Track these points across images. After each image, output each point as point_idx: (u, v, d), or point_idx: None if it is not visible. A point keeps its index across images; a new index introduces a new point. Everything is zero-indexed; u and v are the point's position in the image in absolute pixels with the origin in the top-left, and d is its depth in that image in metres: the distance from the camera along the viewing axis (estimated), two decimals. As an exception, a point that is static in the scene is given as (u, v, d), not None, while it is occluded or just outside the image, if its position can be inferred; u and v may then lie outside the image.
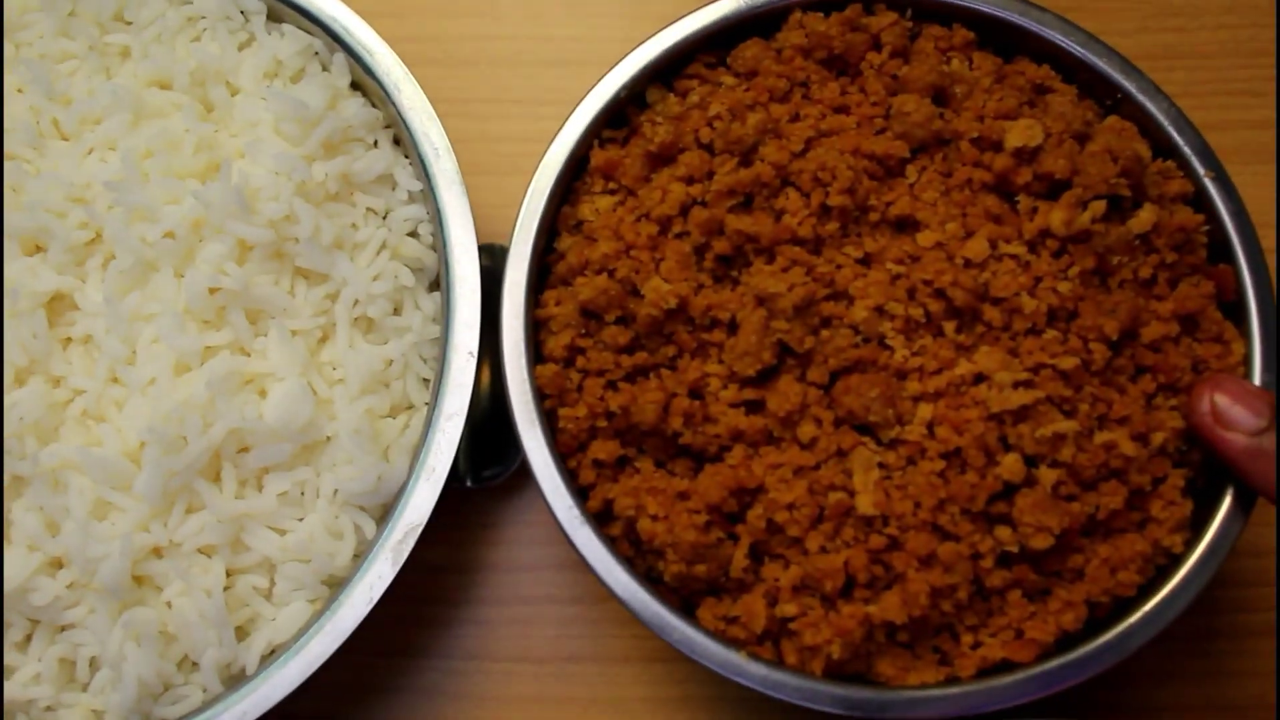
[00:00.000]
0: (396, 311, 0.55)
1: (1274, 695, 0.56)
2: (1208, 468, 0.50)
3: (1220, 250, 0.52)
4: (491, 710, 0.56)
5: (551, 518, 0.48)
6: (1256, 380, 0.50)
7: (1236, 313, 0.51)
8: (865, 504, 0.46)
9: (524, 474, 0.55)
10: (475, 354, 0.52)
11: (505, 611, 0.57)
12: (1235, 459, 0.46)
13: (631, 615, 0.47)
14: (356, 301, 0.53)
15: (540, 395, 0.50)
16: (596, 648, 0.57)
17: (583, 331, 0.50)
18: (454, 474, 0.55)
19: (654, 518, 0.47)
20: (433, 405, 0.52)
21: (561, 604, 0.57)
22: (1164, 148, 0.53)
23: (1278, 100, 0.66)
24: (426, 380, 0.54)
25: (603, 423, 0.49)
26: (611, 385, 0.50)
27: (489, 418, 0.56)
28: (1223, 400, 0.47)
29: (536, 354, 0.51)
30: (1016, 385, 0.47)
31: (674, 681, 0.56)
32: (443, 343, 0.52)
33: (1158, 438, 0.48)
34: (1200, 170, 0.52)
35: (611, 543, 0.49)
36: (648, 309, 0.49)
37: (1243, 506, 0.48)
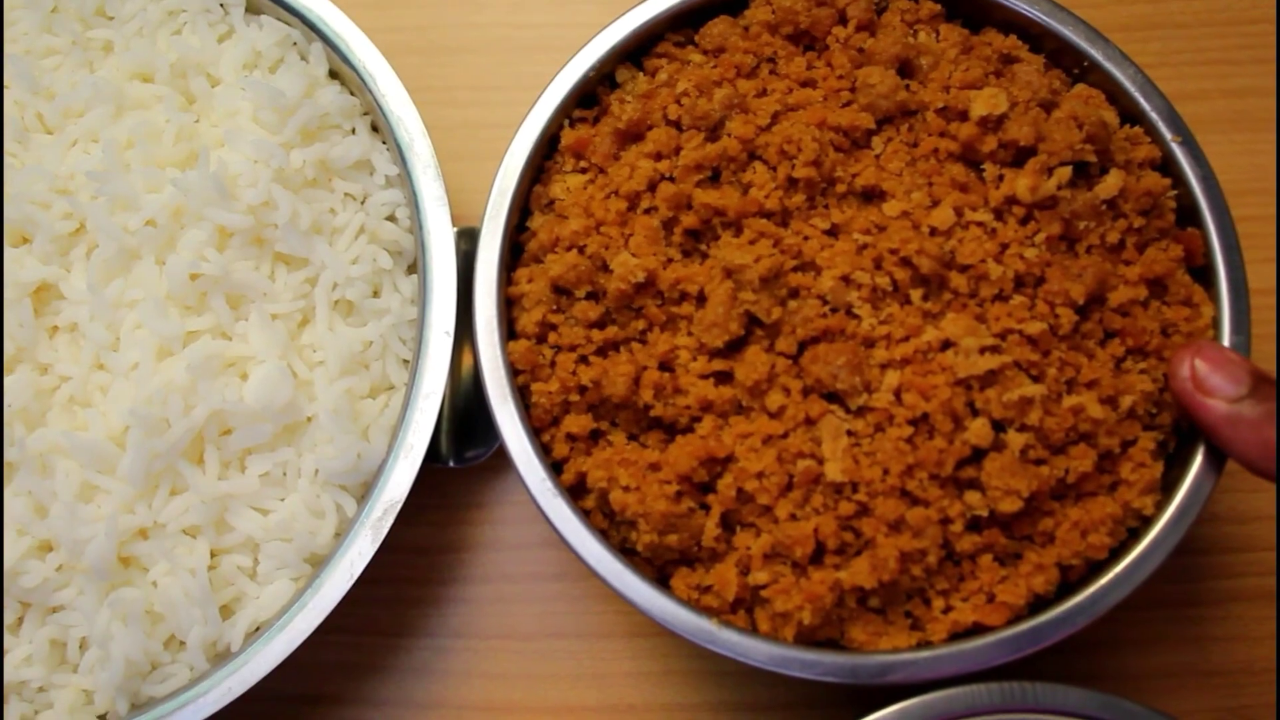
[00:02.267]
0: (375, 294, 0.55)
1: (1255, 660, 0.56)
2: (1178, 430, 0.50)
3: (1188, 215, 0.52)
4: (478, 687, 0.56)
5: (525, 492, 0.49)
6: (1225, 343, 0.50)
7: (1205, 276, 0.51)
8: (834, 471, 0.47)
9: (506, 455, 0.56)
10: (452, 333, 0.53)
11: (490, 590, 0.58)
12: (1213, 425, 0.46)
13: (609, 588, 0.48)
14: (335, 285, 0.54)
15: (513, 371, 0.51)
16: (580, 624, 0.57)
17: (554, 308, 0.51)
18: (437, 455, 0.56)
19: (626, 489, 0.48)
20: (411, 385, 0.53)
21: (545, 581, 0.58)
22: (1132, 114, 0.54)
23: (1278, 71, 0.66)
24: (405, 361, 0.55)
25: (575, 397, 0.50)
26: (583, 360, 0.50)
27: (471, 400, 0.57)
28: (1203, 367, 0.47)
29: (510, 331, 0.52)
30: (983, 351, 0.48)
31: (657, 655, 0.57)
32: (420, 323, 0.53)
33: (1126, 401, 0.49)
34: (1167, 135, 0.53)
35: (585, 515, 0.49)
36: (617, 283, 0.49)
37: (1213, 468, 0.48)
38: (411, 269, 0.57)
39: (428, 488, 0.56)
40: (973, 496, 0.47)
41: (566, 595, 0.58)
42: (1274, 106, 0.66)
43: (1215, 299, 0.51)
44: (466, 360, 0.56)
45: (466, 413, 0.57)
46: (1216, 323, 0.50)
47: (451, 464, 0.57)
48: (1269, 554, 0.57)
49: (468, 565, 0.58)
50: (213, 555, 0.51)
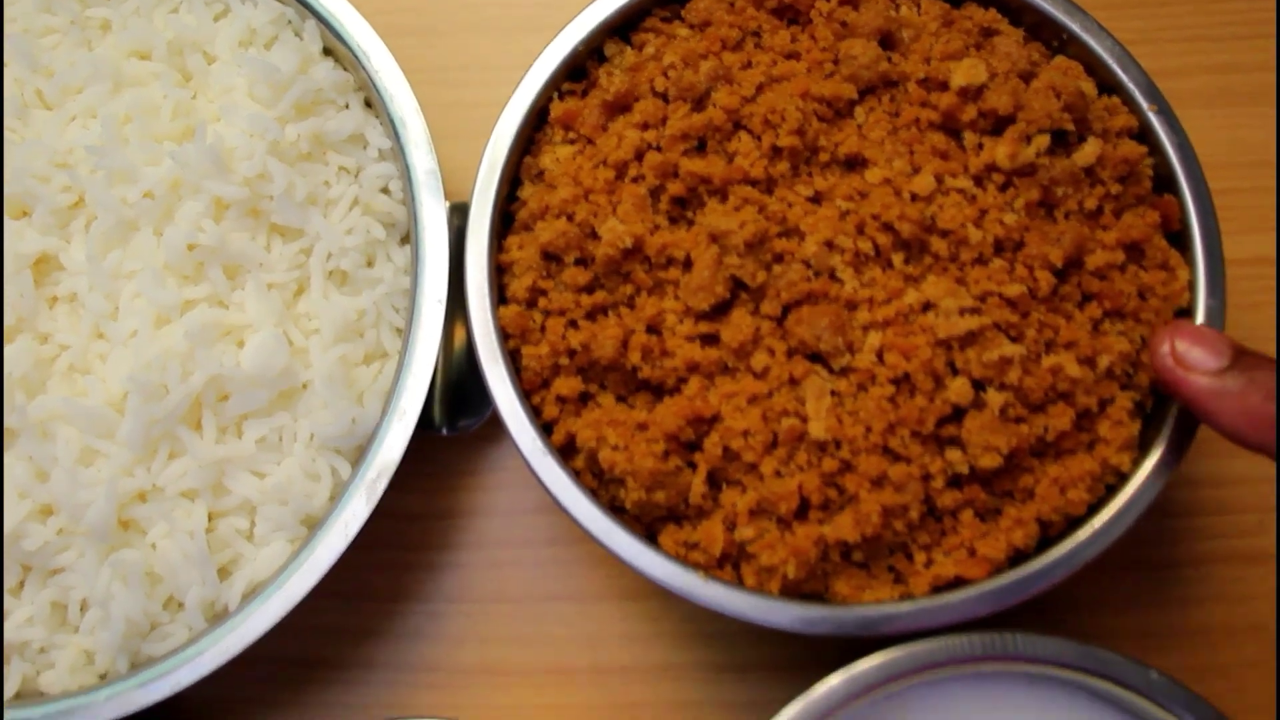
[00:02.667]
0: (369, 264, 0.57)
1: (1234, 619, 0.57)
2: (1155, 391, 0.51)
3: (1165, 183, 0.53)
4: (471, 650, 0.57)
5: (516, 451, 0.50)
6: (1201, 304, 0.51)
7: (1181, 242, 0.53)
8: (817, 429, 0.48)
9: (499, 423, 0.57)
10: (444, 301, 0.54)
11: (483, 555, 0.59)
12: (1198, 399, 0.46)
13: (597, 544, 0.49)
14: (330, 255, 0.55)
15: (504, 335, 0.52)
16: (571, 587, 0.58)
17: (544, 274, 0.52)
18: (430, 423, 0.57)
19: (614, 448, 0.49)
20: (404, 351, 0.54)
21: (537, 546, 0.59)
22: (1110, 85, 0.55)
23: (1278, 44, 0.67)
24: (399, 330, 0.56)
25: (565, 360, 0.51)
26: (572, 324, 0.51)
27: (463, 372, 0.58)
28: (1182, 344, 0.47)
29: (500, 297, 0.53)
30: (963, 312, 0.49)
31: (647, 618, 0.58)
32: (413, 292, 0.54)
33: (1104, 361, 0.50)
34: (1144, 105, 0.54)
35: (575, 475, 0.50)
36: (605, 249, 0.51)
37: (1189, 427, 0.49)
38: (404, 240, 0.58)
39: (422, 456, 0.58)
40: (953, 454, 0.48)
41: (558, 559, 0.59)
42: (1256, 82, 0.67)
43: (1191, 263, 0.52)
44: (459, 336, 0.57)
45: (459, 384, 0.58)
46: (1192, 286, 0.52)
47: (445, 432, 0.58)
48: (1246, 516, 0.58)
49: (461, 531, 0.59)
50: (210, 518, 0.52)
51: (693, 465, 0.49)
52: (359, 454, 0.54)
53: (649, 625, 0.57)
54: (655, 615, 0.58)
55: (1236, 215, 0.62)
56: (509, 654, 0.57)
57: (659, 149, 0.53)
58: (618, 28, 0.57)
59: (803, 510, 0.48)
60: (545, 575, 0.58)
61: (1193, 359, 0.47)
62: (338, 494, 0.53)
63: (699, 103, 0.53)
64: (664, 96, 0.54)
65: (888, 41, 0.55)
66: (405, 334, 0.54)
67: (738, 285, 0.51)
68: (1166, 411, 0.50)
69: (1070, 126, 0.52)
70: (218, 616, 0.52)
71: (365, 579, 0.58)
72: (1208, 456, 0.59)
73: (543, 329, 0.52)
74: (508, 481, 0.60)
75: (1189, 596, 0.57)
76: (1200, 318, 0.51)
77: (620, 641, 0.57)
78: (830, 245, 0.50)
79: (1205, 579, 0.58)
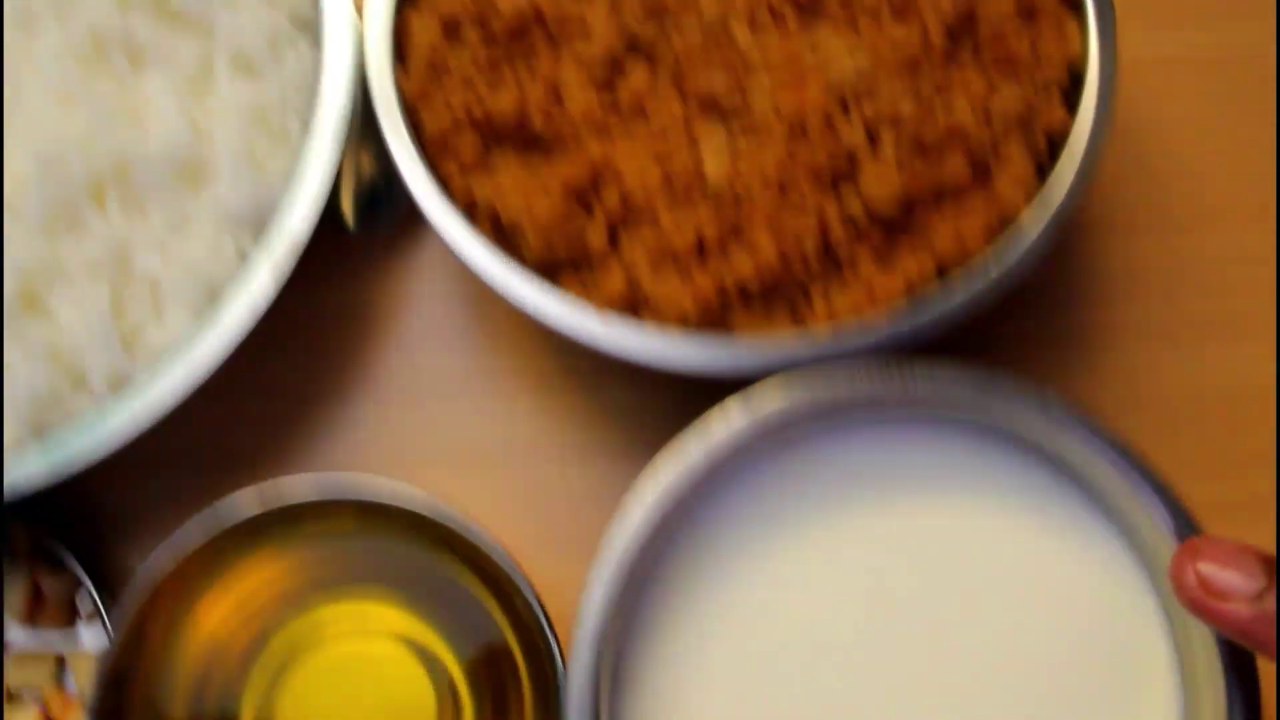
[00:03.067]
0: (274, 56, 0.57)
1: (1142, 396, 0.58)
2: (1051, 145, 0.52)
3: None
4: (387, 439, 0.58)
5: (418, 208, 0.50)
6: (1093, 54, 0.52)
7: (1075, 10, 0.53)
8: (714, 173, 0.48)
9: (412, 223, 0.58)
10: (349, 91, 0.54)
11: (395, 349, 0.59)
12: (1246, 631, 0.39)
13: (497, 295, 0.49)
14: (236, 45, 0.55)
15: (406, 104, 0.52)
16: (484, 381, 0.58)
17: (444, 43, 0.52)
18: (341, 223, 0.57)
19: (515, 203, 0.49)
20: (310, 133, 0.54)
21: (450, 342, 0.59)
22: None
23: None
24: (305, 118, 0.56)
25: (464, 120, 0.51)
26: (472, 88, 0.52)
27: (376, 180, 0.58)
28: (1207, 567, 0.40)
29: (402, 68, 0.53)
30: (856, 62, 0.50)
31: (558, 399, 0.58)
32: (317, 77, 0.55)
33: (999, 113, 0.50)
34: (1036, -122, 0.55)
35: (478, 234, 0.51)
36: (504, 15, 0.51)
37: (1084, 177, 0.50)
38: (312, 36, 0.58)
39: (335, 259, 0.58)
40: (850, 197, 0.49)
41: (470, 351, 0.59)
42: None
43: (1083, 29, 0.53)
44: (367, 164, 0.58)
45: (372, 191, 0.58)
46: (1084, 49, 0.52)
47: (357, 233, 0.58)
48: (1152, 292, 0.59)
49: (374, 330, 0.59)
50: (115, 295, 0.52)
51: (592, 215, 0.50)
52: (264, 231, 0.54)
53: (558, 403, 0.58)
54: (566, 396, 0.58)
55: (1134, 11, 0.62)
56: (422, 444, 0.57)
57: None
58: None
59: (701, 256, 0.49)
60: (458, 369, 0.58)
61: (1225, 585, 0.39)
62: (243, 269, 0.53)
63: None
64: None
65: None
66: (312, 118, 0.54)
67: (634, 47, 0.51)
68: (1063, 166, 0.51)
69: (963, -102, 0.53)
70: (123, 389, 0.52)
71: (278, 378, 0.58)
72: (1109, 232, 0.60)
73: (443, 94, 0.52)
74: (422, 276, 0.60)
75: (1099, 367, 0.58)
76: (1093, 69, 0.51)
77: (532, 425, 0.57)
78: (726, 5, 0.51)
79: (1121, 357, 0.58)
